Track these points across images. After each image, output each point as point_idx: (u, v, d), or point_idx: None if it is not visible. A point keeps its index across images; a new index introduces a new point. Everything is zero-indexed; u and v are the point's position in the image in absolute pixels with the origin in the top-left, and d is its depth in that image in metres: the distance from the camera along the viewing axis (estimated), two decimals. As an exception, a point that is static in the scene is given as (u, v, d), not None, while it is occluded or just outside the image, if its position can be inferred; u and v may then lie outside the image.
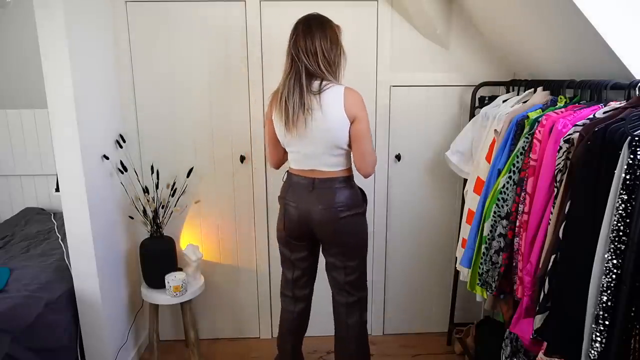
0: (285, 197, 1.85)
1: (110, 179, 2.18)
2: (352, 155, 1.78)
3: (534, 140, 1.47)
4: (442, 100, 2.39)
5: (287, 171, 1.89)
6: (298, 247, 1.90)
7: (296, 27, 1.70)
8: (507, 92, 2.23)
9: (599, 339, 1.05)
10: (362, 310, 1.94)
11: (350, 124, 1.69)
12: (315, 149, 1.72)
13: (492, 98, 2.21)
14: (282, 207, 1.87)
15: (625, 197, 1.01)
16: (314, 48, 1.65)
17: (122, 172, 2.23)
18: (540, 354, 1.35)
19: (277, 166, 1.96)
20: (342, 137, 1.70)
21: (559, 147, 1.33)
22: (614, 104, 1.31)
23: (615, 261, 1.02)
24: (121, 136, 2.26)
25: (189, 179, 2.35)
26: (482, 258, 1.71)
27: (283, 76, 1.72)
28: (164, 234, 2.28)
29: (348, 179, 1.81)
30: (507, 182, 1.61)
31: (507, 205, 1.61)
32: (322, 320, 2.28)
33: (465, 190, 2.07)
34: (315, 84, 1.68)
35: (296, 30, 1.69)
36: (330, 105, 1.66)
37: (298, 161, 1.80)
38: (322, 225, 1.78)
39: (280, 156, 1.91)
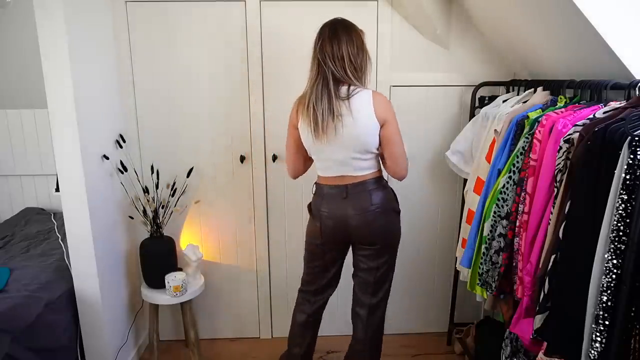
0: (320, 208, 1.81)
1: (110, 179, 2.18)
2: (383, 159, 1.77)
3: (534, 140, 1.47)
4: (442, 100, 2.39)
5: (316, 183, 1.85)
6: (331, 256, 1.88)
7: (322, 32, 1.68)
8: (507, 92, 2.23)
9: (599, 339, 1.05)
10: (384, 309, 1.93)
11: (381, 128, 1.68)
12: (346, 155, 1.70)
13: (492, 98, 2.21)
14: (318, 218, 1.82)
15: (625, 197, 1.01)
16: (341, 53, 1.63)
17: (122, 172, 2.23)
18: (540, 354, 1.35)
19: (296, 175, 1.91)
20: (373, 142, 1.69)
21: (559, 147, 1.33)
22: (614, 104, 1.31)
23: (615, 261, 1.02)
24: (121, 136, 2.26)
25: (189, 179, 2.35)
26: (482, 258, 1.71)
27: (309, 82, 1.70)
28: (164, 234, 2.28)
29: (379, 180, 1.79)
30: (507, 182, 1.61)
31: (507, 205, 1.61)
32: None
33: (465, 190, 2.07)
34: (343, 89, 1.66)
35: (322, 35, 1.67)
36: (361, 110, 1.65)
37: (326, 169, 1.77)
38: (359, 229, 1.76)
39: (301, 165, 1.88)
